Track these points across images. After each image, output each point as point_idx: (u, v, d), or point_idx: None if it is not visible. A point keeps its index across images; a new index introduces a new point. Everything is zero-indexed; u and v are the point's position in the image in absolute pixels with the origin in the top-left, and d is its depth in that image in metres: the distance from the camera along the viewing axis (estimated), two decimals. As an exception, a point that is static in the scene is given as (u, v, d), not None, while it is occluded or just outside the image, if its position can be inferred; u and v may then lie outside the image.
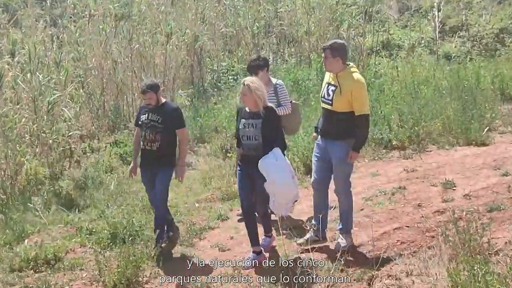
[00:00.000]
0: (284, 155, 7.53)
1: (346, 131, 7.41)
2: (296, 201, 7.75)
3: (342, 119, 7.38)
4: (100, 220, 9.64)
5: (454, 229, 7.06)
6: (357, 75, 7.41)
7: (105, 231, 9.03)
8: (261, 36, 19.16)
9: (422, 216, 8.42)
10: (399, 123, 12.48)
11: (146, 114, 8.29)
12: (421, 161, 11.05)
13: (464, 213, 7.96)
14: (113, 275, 7.55)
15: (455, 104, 12.95)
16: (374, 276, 6.88)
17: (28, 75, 12.63)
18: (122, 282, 7.48)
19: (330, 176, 7.74)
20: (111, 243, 8.72)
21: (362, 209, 8.91)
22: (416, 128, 12.09)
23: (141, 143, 8.35)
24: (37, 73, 12.61)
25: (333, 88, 7.44)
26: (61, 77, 13.37)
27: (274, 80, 8.98)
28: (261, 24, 19.41)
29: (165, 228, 8.47)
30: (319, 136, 7.80)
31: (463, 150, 11.57)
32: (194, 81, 17.25)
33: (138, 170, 8.67)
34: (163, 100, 8.41)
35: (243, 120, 7.57)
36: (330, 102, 7.45)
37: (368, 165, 11.16)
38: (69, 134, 12.70)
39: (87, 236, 9.16)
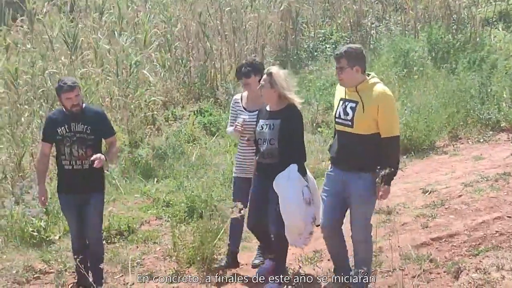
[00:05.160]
0: (306, 171, 6.84)
1: (372, 160, 6.11)
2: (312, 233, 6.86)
3: (368, 144, 6.19)
4: (178, 193, 9.92)
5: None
6: (381, 86, 6.24)
7: (183, 204, 9.28)
8: (364, 2, 18.90)
9: (527, 206, 8.18)
10: (511, 103, 12.15)
11: (66, 125, 6.88)
12: (531, 145, 10.75)
13: None
14: (188, 251, 7.72)
15: None
16: (461, 269, 6.77)
17: (116, 34, 13.02)
18: (198, 259, 7.64)
19: (344, 216, 6.56)
20: (188, 217, 8.94)
21: (460, 196, 8.75)
22: (528, 108, 11.76)
23: (63, 163, 6.96)
24: (122, 34, 12.96)
25: (352, 104, 6.22)
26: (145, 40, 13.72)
27: None
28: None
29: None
30: (331, 165, 6.60)
31: None
32: (288, 48, 17.26)
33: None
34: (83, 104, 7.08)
35: (262, 120, 6.88)
36: (350, 123, 6.21)
37: (472, 148, 10.97)
38: (151, 99, 13.03)
39: (164, 208, 9.47)
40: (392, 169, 6.03)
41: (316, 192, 6.83)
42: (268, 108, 6.86)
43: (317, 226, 6.74)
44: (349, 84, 6.24)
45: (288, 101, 6.73)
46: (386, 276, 6.89)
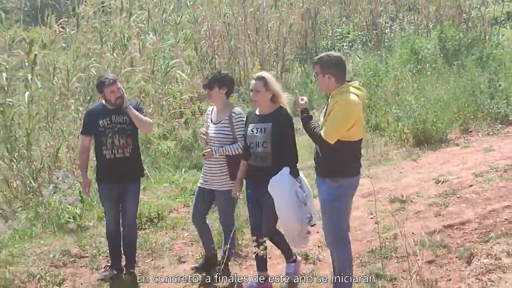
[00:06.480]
0: (298, 172, 6.56)
1: (336, 167, 5.90)
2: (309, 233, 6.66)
3: (331, 150, 5.83)
4: (205, 182, 10.00)
5: None
6: (346, 95, 5.82)
7: (210, 192, 9.37)
8: (379, 2, 18.96)
9: (535, 195, 8.14)
10: (518, 98, 12.15)
11: (107, 118, 7.05)
12: (539, 137, 10.69)
13: None
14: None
15: None
16: (473, 254, 6.80)
17: (149, 35, 13.21)
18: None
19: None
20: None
21: (471, 185, 8.71)
22: (535, 103, 11.69)
23: (105, 153, 7.07)
24: (155, 35, 13.15)
25: (324, 110, 5.99)
26: (179, 40, 13.89)
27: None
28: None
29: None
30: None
31: None
32: (307, 47, 17.35)
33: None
34: None
35: (252, 124, 6.65)
36: (320, 128, 5.91)
37: (482, 140, 10.95)
38: (182, 98, 13.21)
39: (191, 196, 9.49)
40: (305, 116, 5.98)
41: (309, 191, 6.60)
42: (257, 112, 6.69)
43: (312, 226, 6.56)
44: (323, 89, 6.09)
45: (278, 104, 6.58)
46: (401, 261, 6.93)
